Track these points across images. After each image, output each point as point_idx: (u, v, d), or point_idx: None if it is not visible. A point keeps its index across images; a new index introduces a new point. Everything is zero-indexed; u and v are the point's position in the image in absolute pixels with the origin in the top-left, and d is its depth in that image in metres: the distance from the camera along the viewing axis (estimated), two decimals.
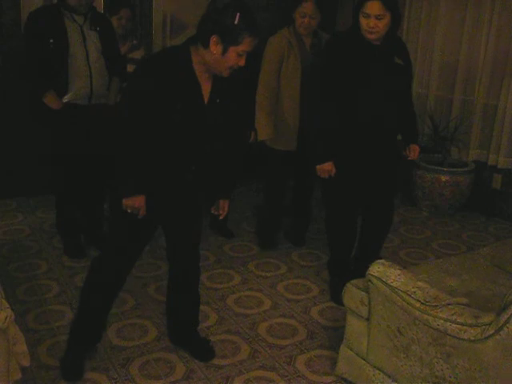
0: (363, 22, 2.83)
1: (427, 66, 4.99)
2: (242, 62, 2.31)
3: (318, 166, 3.05)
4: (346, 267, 3.35)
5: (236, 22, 2.22)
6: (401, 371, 2.21)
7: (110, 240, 2.63)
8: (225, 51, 2.25)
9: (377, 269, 2.25)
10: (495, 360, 1.87)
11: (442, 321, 1.99)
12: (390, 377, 2.28)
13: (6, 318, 1.86)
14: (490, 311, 1.94)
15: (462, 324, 1.94)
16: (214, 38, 2.24)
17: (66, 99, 3.46)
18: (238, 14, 2.22)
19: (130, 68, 4.08)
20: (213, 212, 2.68)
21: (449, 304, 2.03)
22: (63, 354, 2.64)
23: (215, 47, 2.25)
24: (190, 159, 2.46)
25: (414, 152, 3.20)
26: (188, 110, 2.35)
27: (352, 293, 2.39)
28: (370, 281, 2.26)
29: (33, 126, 4.68)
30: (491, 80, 4.59)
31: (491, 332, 1.85)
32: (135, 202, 2.35)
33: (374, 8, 2.78)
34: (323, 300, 3.32)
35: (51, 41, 3.33)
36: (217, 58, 2.27)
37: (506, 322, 1.81)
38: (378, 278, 2.22)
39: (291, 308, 3.23)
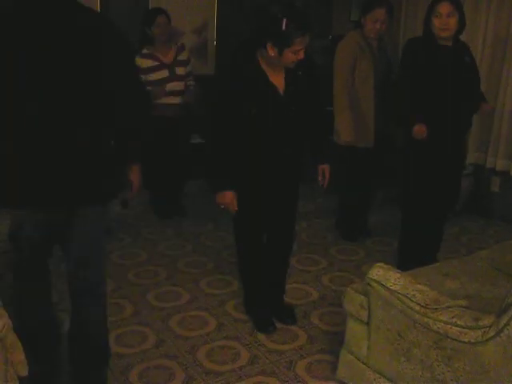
0: (436, 21, 3.17)
1: None
2: (300, 56, 2.62)
3: (413, 129, 3.24)
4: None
5: (284, 28, 2.52)
6: (402, 375, 2.20)
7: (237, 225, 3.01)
8: (281, 53, 2.58)
9: (376, 272, 2.24)
10: (496, 362, 1.86)
11: (442, 324, 1.98)
12: (390, 381, 2.26)
13: (4, 326, 1.85)
14: (490, 313, 1.93)
15: (463, 327, 1.93)
16: (268, 44, 2.58)
17: None
18: (285, 20, 2.51)
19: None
20: (319, 180, 3.03)
21: (449, 307, 2.02)
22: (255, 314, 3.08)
23: (272, 51, 2.59)
24: (282, 144, 2.79)
25: None
26: (265, 104, 2.70)
27: (352, 297, 2.38)
28: (369, 284, 2.25)
29: None
30: (488, 82, 4.59)
31: (492, 334, 1.84)
32: (225, 198, 2.74)
33: (445, 7, 3.14)
34: (323, 304, 3.31)
35: None
36: (276, 58, 2.62)
37: (507, 324, 1.80)
38: (378, 282, 2.21)
39: None
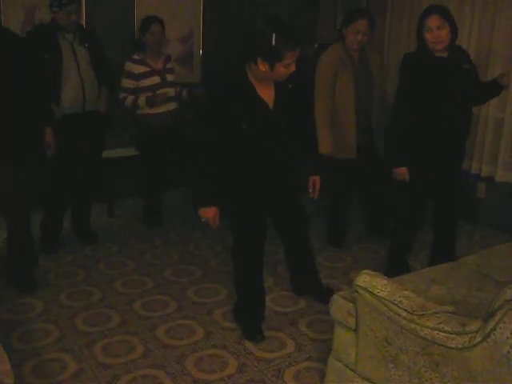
0: (428, 35, 3.16)
1: None
2: (292, 69, 2.64)
3: (394, 170, 3.38)
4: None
5: (274, 44, 2.53)
6: (390, 381, 2.20)
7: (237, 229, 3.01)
8: (272, 68, 2.60)
9: (363, 279, 2.24)
10: (483, 367, 1.86)
11: (429, 330, 1.98)
12: None
13: None
14: (476, 319, 1.94)
15: (450, 332, 1.93)
16: (259, 60, 2.59)
17: (64, 110, 3.80)
18: (274, 36, 2.53)
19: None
20: (310, 192, 3.10)
21: (436, 313, 2.03)
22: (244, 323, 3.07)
23: (263, 66, 2.60)
24: (274, 149, 2.85)
25: None
26: (254, 119, 2.73)
27: (339, 304, 2.38)
28: (356, 291, 2.25)
29: None
30: None
31: (478, 339, 1.85)
32: (208, 213, 2.76)
33: (433, 20, 3.13)
34: (311, 312, 3.31)
35: (46, 56, 3.67)
36: (267, 73, 2.63)
37: (493, 329, 1.81)
38: (365, 289, 2.21)
39: (279, 321, 3.21)
